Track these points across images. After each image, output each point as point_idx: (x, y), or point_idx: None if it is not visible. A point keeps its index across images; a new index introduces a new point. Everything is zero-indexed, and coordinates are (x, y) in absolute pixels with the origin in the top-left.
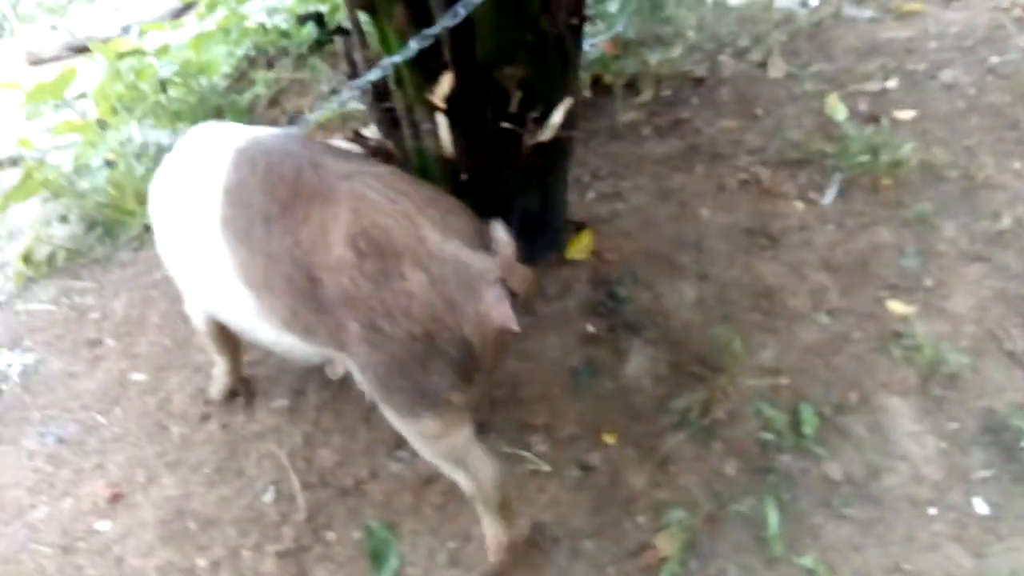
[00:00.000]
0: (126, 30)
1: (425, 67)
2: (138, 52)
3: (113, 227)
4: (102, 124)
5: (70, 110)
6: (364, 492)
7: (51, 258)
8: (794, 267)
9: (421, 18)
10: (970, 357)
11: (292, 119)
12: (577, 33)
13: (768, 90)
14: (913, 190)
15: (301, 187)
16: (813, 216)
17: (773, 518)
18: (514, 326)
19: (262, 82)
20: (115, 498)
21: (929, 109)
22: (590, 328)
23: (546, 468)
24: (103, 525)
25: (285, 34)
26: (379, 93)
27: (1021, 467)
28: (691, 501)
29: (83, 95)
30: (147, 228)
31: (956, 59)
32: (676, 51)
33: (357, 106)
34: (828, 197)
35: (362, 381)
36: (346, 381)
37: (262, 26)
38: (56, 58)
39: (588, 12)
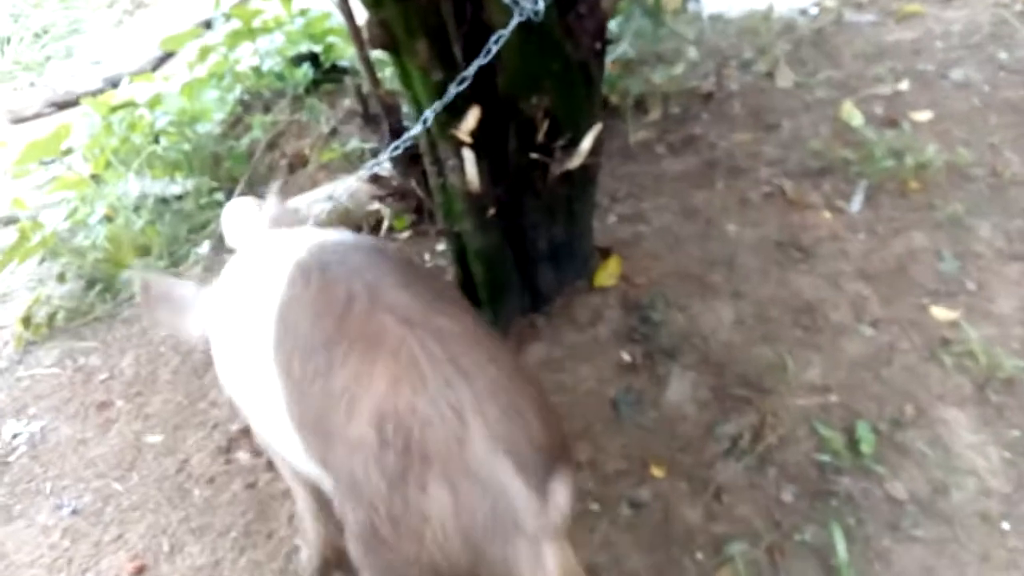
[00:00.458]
0: (112, 83)
1: (449, 103)
2: (130, 104)
3: (113, 283)
4: (96, 179)
5: (58, 167)
6: None
7: (51, 319)
8: (830, 279)
9: (443, 52)
10: None
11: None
12: (600, 57)
13: (779, 100)
14: (942, 192)
15: (348, 320)
16: (843, 225)
17: (840, 545)
18: None
19: (259, 126)
20: (139, 571)
21: (945, 109)
22: (625, 356)
23: (595, 507)
24: None
25: (279, 76)
26: (395, 131)
27: None
28: (751, 532)
29: (70, 151)
30: None
31: (964, 57)
32: (679, 68)
33: (357, 143)
34: (856, 205)
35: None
36: None
37: (255, 69)
38: (38, 115)
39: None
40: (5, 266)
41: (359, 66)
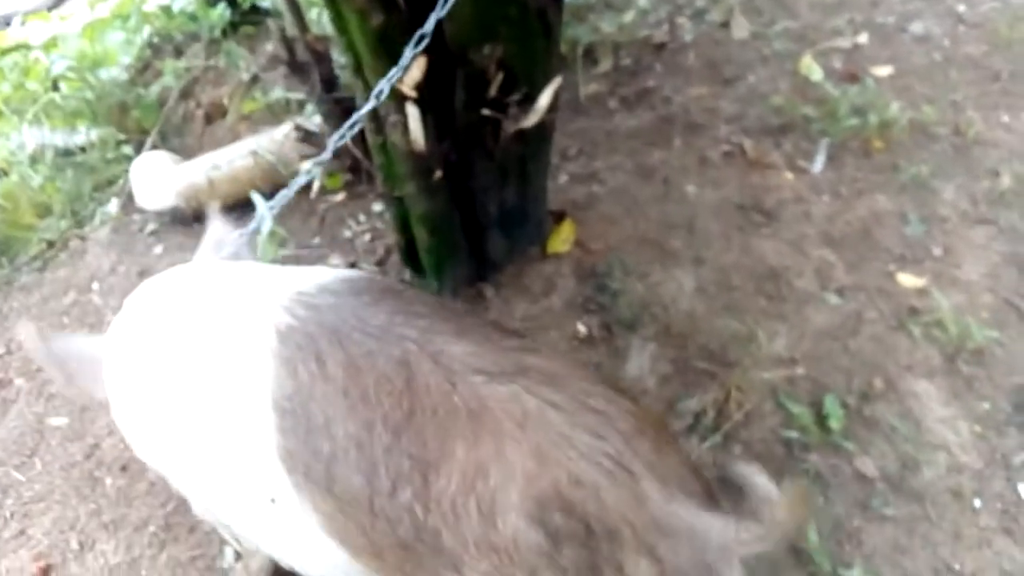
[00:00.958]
0: (4, 22)
1: (390, 52)
2: (23, 47)
3: (10, 246)
4: None
5: None
6: None
7: None
8: (794, 244)
9: None
10: (993, 330)
11: (209, 115)
12: (559, 3)
13: (735, 52)
14: (906, 152)
15: (417, 397)
16: (805, 186)
17: (811, 527)
18: None
19: (171, 72)
20: (45, 572)
21: (906, 64)
22: (581, 328)
23: None
24: None
25: (192, 17)
26: (325, 81)
27: None
28: None
29: None
30: (50, 244)
31: (924, 10)
32: (629, 15)
33: (282, 93)
34: (818, 165)
35: None
36: None
37: (164, 9)
38: None
39: None
40: None
41: (283, 6)
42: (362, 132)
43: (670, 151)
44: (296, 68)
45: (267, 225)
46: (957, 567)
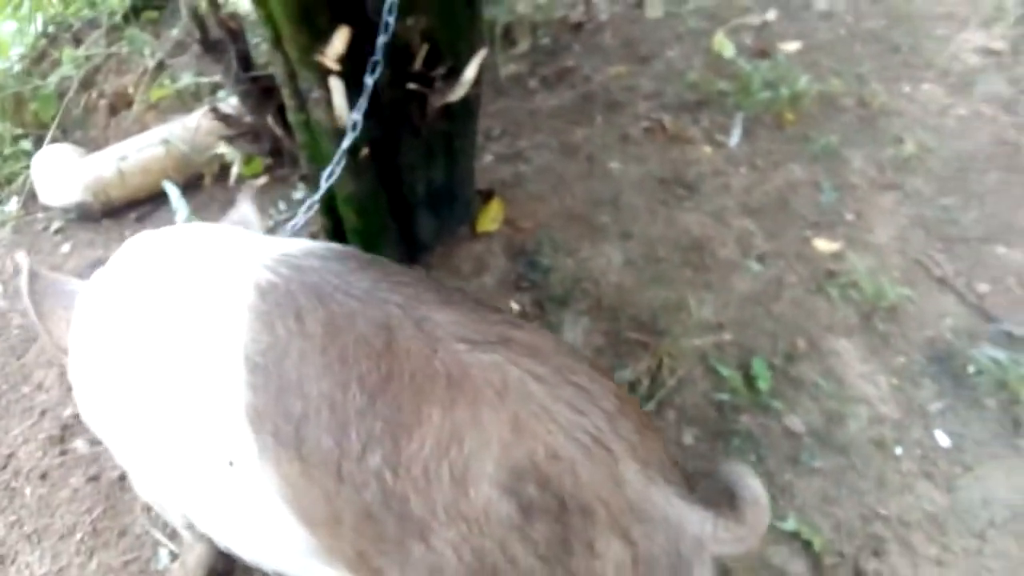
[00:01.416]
0: None
1: (311, 24)
2: None
3: None
4: None
5: None
6: None
7: None
8: (716, 215)
9: None
10: (905, 288)
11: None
12: None
13: (650, 31)
14: (816, 123)
15: (396, 360)
16: (723, 159)
17: None
18: None
19: (69, 61)
20: None
21: (813, 40)
22: (514, 305)
23: None
24: None
25: (90, 3)
26: (241, 59)
27: (972, 393)
28: None
29: None
30: None
31: None
32: None
33: (191, 78)
34: (735, 138)
35: None
36: None
37: None
38: None
39: None
40: None
41: None
42: (282, 111)
43: (592, 129)
44: (210, 47)
45: (182, 215)
46: (883, 512)
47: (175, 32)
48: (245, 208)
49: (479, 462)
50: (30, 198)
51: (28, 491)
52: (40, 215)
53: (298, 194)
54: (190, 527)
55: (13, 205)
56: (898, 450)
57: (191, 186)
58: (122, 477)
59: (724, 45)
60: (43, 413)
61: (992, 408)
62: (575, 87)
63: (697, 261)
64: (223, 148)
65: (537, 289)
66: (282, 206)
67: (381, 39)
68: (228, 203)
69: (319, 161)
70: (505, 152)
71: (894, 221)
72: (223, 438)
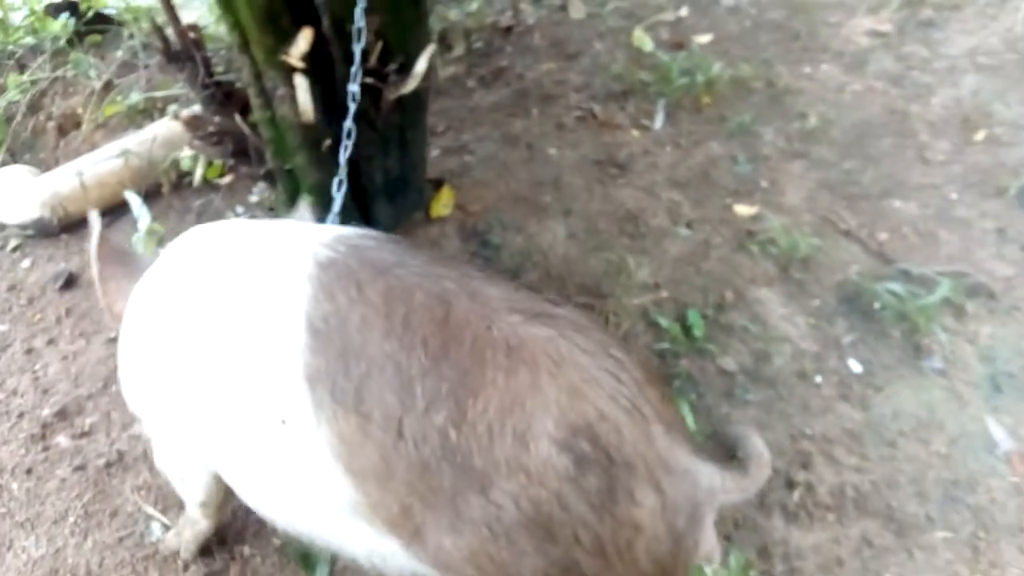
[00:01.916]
0: None
1: (276, 27)
2: None
3: None
4: None
5: None
6: None
7: None
8: (647, 189)
9: None
10: (816, 240)
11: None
12: None
13: (575, 31)
14: (730, 105)
15: (456, 329)
16: (650, 141)
17: (688, 419)
18: (717, 559)
19: (14, 87)
20: None
21: (722, 31)
22: None
23: None
24: None
25: (32, 30)
26: (207, 68)
27: (879, 326)
28: None
29: None
30: None
31: None
32: (474, 4)
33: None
34: (659, 122)
35: None
36: None
37: (0, 24)
38: None
39: None
40: None
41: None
42: (245, 111)
43: (529, 120)
44: (172, 57)
45: (144, 223)
46: (808, 431)
47: (120, 54)
48: (303, 210)
49: (540, 421)
50: None
51: (15, 486)
52: None
53: (254, 198)
54: (204, 504)
55: None
56: (818, 378)
57: (150, 196)
58: (109, 464)
59: (643, 40)
60: (21, 415)
61: (896, 337)
62: (510, 84)
63: (633, 230)
64: (185, 153)
65: (490, 265)
66: (240, 209)
67: (358, 47)
68: (186, 210)
69: (284, 155)
70: (451, 145)
71: (803, 185)
72: (278, 398)
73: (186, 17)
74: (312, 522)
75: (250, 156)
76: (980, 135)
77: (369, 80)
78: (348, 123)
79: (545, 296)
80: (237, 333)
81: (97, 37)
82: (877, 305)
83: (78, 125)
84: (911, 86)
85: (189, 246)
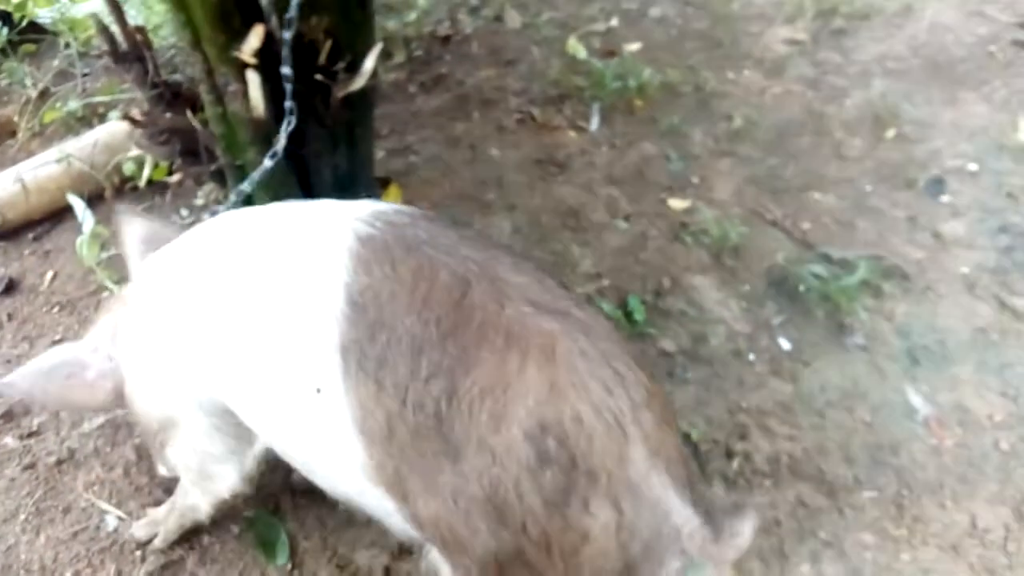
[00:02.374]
0: None
1: (228, 24)
2: None
3: None
4: None
5: None
6: None
7: None
8: (585, 186)
9: None
10: (745, 230)
11: None
12: None
13: (511, 40)
14: (661, 108)
15: (469, 310)
16: (587, 142)
17: None
18: None
19: None
20: None
21: (651, 40)
22: None
23: None
24: None
25: None
26: (155, 68)
27: (805, 307)
28: None
29: None
30: None
31: None
32: (412, 15)
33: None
34: (594, 124)
35: None
36: None
37: None
38: None
39: None
40: None
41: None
42: (195, 109)
43: (471, 123)
44: (120, 59)
45: (88, 226)
46: (744, 405)
47: (56, 63)
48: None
49: (515, 408)
50: None
51: None
52: None
53: (199, 200)
54: (210, 492)
55: None
56: (751, 356)
57: (92, 200)
58: (60, 462)
59: (577, 48)
60: None
61: (821, 317)
62: (451, 90)
63: (574, 224)
64: (130, 154)
65: None
66: (184, 212)
67: (287, 34)
68: (130, 213)
69: (235, 151)
70: (395, 147)
71: (731, 180)
72: (316, 367)
73: None
74: (344, 486)
75: (199, 155)
76: (890, 133)
77: (319, 77)
78: (288, 103)
79: (570, 294)
80: (280, 304)
81: (31, 47)
82: (802, 288)
83: (13, 134)
84: (826, 89)
85: (223, 226)
